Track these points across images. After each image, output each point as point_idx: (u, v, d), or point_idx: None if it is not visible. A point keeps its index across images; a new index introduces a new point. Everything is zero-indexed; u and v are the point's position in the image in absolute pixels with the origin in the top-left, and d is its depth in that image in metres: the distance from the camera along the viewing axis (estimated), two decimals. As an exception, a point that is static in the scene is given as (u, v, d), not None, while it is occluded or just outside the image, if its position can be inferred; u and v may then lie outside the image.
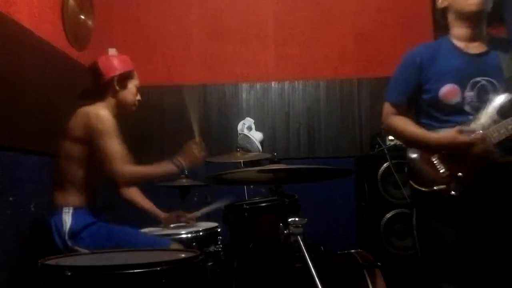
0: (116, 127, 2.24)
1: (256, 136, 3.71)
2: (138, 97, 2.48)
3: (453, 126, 1.97)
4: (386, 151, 3.25)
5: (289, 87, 3.91)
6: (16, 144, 2.43)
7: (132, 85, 2.44)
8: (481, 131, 1.92)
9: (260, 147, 3.67)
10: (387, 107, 2.17)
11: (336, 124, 3.87)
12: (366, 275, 2.03)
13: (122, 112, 2.42)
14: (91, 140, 2.18)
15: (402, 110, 2.14)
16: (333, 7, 3.92)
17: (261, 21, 3.93)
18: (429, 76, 2.05)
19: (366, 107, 3.86)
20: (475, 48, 2.04)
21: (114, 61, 2.40)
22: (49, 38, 2.87)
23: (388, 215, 3.19)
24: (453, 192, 1.93)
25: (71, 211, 2.19)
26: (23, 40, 2.58)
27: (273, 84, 3.91)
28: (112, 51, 3.77)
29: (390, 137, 3.30)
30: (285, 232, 1.74)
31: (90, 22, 3.45)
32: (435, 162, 2.00)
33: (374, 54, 3.88)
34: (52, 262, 1.48)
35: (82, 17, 3.34)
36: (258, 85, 3.91)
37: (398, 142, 3.28)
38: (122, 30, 3.89)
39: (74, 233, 2.15)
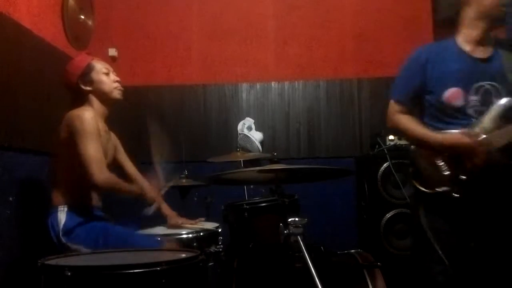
0: (98, 130, 2.20)
1: (256, 136, 3.71)
2: (114, 79, 2.39)
3: (456, 129, 1.98)
4: (386, 151, 3.25)
5: (289, 87, 3.90)
6: (16, 144, 2.43)
7: (97, 75, 2.34)
8: (484, 136, 1.92)
9: (260, 147, 3.67)
10: (392, 105, 2.18)
11: (336, 124, 3.87)
12: (366, 275, 2.03)
13: (110, 102, 2.38)
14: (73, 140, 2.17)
15: (406, 109, 2.15)
16: (333, 7, 3.92)
17: (261, 21, 3.93)
18: (433, 77, 2.06)
19: (366, 107, 3.86)
20: (481, 52, 2.05)
21: (68, 68, 2.36)
22: (49, 38, 2.87)
23: (388, 215, 3.19)
24: (455, 194, 1.94)
25: (65, 209, 2.20)
26: (23, 40, 2.58)
27: (273, 84, 3.91)
28: (112, 51, 3.79)
29: (390, 137, 3.30)
30: (285, 232, 1.73)
31: (90, 22, 3.45)
32: (439, 163, 2.00)
33: (374, 54, 3.88)
34: (52, 262, 1.48)
35: (82, 17, 3.34)
36: (258, 85, 3.91)
37: (398, 142, 3.29)
38: (122, 30, 3.88)
39: (68, 230, 2.16)
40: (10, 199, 2.32)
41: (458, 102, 2.00)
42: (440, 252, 1.97)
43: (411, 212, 2.28)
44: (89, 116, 2.19)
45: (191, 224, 2.57)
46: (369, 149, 3.55)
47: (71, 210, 2.21)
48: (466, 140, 1.93)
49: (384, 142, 3.30)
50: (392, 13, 3.89)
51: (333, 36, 3.91)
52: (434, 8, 3.68)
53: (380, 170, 3.22)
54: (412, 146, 2.22)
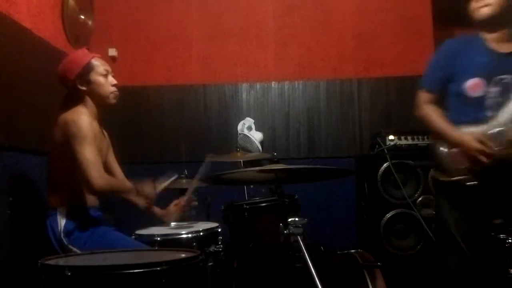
0: (93, 133, 2.15)
1: (256, 136, 3.71)
2: (112, 82, 2.30)
3: (471, 123, 2.07)
4: (386, 151, 3.25)
5: (289, 87, 3.91)
6: (16, 144, 2.43)
7: (96, 76, 2.25)
8: (499, 129, 2.01)
9: (260, 147, 3.67)
10: (422, 95, 2.26)
11: (336, 124, 3.87)
12: (366, 275, 2.03)
13: (105, 105, 2.31)
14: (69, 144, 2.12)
15: (435, 98, 2.23)
16: (333, 7, 3.92)
17: (261, 21, 3.93)
18: (458, 67, 2.16)
19: (366, 107, 3.86)
20: (506, 47, 2.13)
21: (67, 64, 2.27)
22: (49, 38, 2.87)
23: (388, 215, 3.19)
24: (469, 183, 2.04)
25: (65, 210, 2.17)
26: (23, 40, 2.58)
27: (273, 84, 3.91)
28: (112, 51, 3.79)
29: (390, 137, 3.30)
30: (285, 232, 1.73)
31: (90, 22, 3.45)
32: (456, 155, 2.10)
33: (374, 54, 3.88)
34: (52, 262, 1.48)
35: (82, 17, 3.35)
36: (258, 85, 3.91)
37: (398, 142, 3.29)
38: (122, 30, 3.88)
39: (69, 232, 2.14)
40: (10, 199, 2.32)
41: (478, 92, 2.09)
42: (460, 243, 2.07)
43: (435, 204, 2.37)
44: (85, 121, 2.13)
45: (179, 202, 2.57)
46: (369, 149, 3.55)
47: (70, 212, 2.18)
48: (476, 145, 2.00)
49: (384, 142, 3.30)
50: (392, 13, 3.89)
51: (333, 36, 3.91)
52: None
53: (380, 170, 3.22)
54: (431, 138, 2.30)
